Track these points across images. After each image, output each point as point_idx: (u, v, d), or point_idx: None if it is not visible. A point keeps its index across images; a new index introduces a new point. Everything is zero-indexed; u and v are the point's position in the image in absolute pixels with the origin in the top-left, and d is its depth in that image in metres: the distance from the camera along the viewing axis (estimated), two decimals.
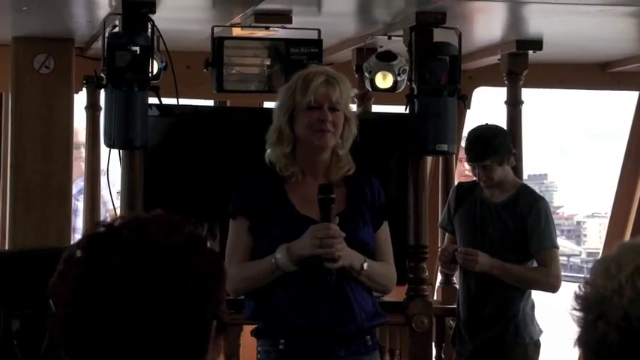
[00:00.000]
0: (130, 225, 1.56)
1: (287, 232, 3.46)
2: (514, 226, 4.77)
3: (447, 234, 5.13)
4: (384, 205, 3.66)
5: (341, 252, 3.43)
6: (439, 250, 5.44)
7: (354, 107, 3.69)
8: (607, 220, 7.36)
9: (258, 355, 3.57)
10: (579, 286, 1.64)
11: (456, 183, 5.67)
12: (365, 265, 3.52)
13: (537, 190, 5.29)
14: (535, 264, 4.82)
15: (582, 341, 1.60)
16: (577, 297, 1.62)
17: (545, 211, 4.79)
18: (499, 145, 4.79)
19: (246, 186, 3.55)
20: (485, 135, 4.85)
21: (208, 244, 1.58)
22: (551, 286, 4.79)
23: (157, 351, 1.52)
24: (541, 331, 4.90)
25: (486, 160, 4.78)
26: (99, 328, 1.51)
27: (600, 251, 7.68)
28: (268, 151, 3.55)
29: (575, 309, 1.62)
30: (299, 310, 3.47)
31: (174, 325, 1.52)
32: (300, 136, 3.51)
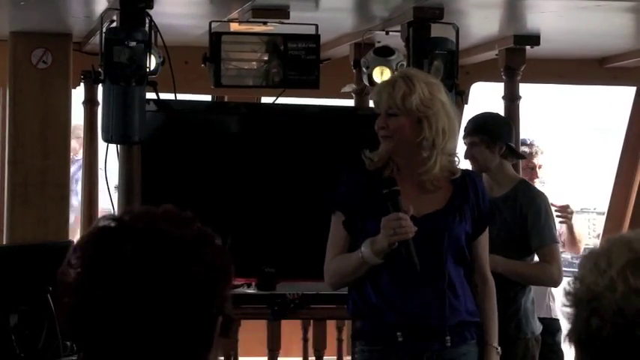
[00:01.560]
0: (141, 217, 1.57)
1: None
2: (513, 222, 4.76)
3: None
4: (488, 209, 3.70)
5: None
6: None
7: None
8: (596, 216, 7.37)
9: (356, 356, 3.59)
10: (569, 282, 1.64)
11: None
12: None
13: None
14: (536, 259, 4.82)
15: (575, 338, 1.59)
16: (567, 293, 1.61)
17: (545, 206, 4.78)
18: (489, 126, 4.77)
19: (345, 182, 3.59)
20: (480, 115, 4.90)
21: (217, 241, 1.60)
22: (553, 281, 4.80)
23: (161, 342, 1.53)
24: (541, 326, 4.91)
25: (474, 136, 4.75)
26: (105, 316, 1.52)
27: (596, 247, 7.68)
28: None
29: (566, 305, 1.61)
30: (389, 305, 3.47)
31: (179, 318, 1.53)
32: None
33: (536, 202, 4.75)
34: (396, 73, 3.78)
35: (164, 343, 1.53)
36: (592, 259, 1.60)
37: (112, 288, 1.52)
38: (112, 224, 1.57)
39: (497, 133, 4.77)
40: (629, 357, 1.54)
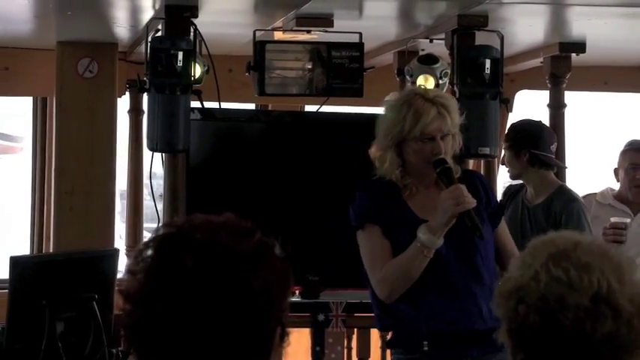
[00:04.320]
0: (202, 228, 1.57)
1: (411, 235, 3.46)
2: (550, 228, 4.74)
3: None
4: (499, 202, 3.78)
5: None
6: None
7: None
8: None
9: None
10: (499, 284, 1.84)
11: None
12: None
13: None
14: None
15: (506, 328, 1.79)
16: (498, 293, 1.80)
17: (579, 210, 4.75)
18: (516, 134, 4.82)
19: (367, 197, 3.59)
20: (515, 122, 4.96)
21: (277, 251, 1.60)
22: None
23: (222, 353, 1.53)
24: None
25: (505, 143, 4.86)
26: (167, 327, 1.53)
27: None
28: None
29: (497, 305, 1.80)
30: (428, 314, 3.48)
31: (240, 330, 1.53)
32: (410, 162, 3.55)
33: (569, 206, 4.74)
34: (428, 95, 3.74)
35: (224, 353, 1.53)
36: (519, 259, 1.82)
37: (172, 300, 1.52)
38: (174, 234, 1.57)
39: (520, 141, 4.80)
40: (552, 342, 1.74)
